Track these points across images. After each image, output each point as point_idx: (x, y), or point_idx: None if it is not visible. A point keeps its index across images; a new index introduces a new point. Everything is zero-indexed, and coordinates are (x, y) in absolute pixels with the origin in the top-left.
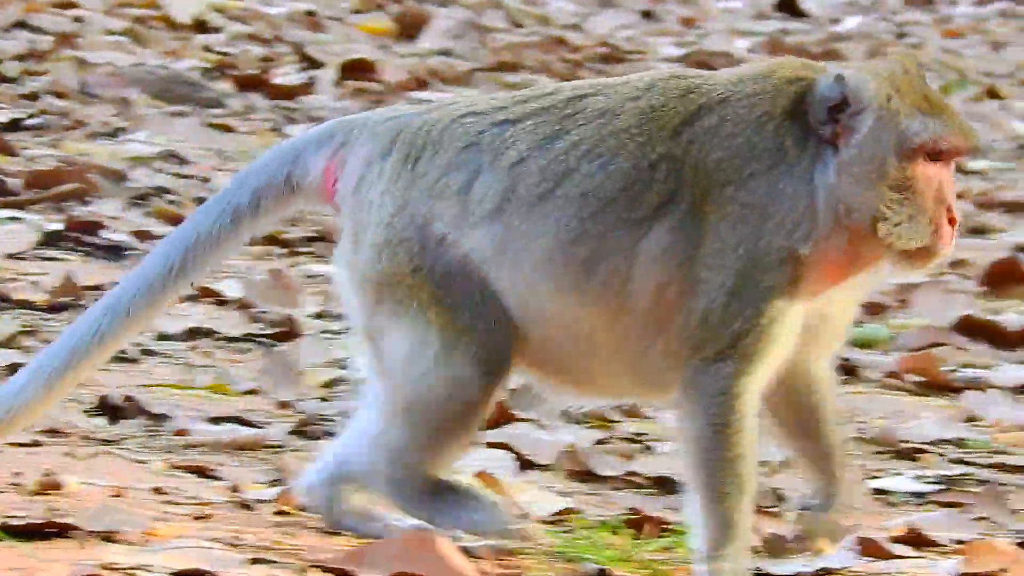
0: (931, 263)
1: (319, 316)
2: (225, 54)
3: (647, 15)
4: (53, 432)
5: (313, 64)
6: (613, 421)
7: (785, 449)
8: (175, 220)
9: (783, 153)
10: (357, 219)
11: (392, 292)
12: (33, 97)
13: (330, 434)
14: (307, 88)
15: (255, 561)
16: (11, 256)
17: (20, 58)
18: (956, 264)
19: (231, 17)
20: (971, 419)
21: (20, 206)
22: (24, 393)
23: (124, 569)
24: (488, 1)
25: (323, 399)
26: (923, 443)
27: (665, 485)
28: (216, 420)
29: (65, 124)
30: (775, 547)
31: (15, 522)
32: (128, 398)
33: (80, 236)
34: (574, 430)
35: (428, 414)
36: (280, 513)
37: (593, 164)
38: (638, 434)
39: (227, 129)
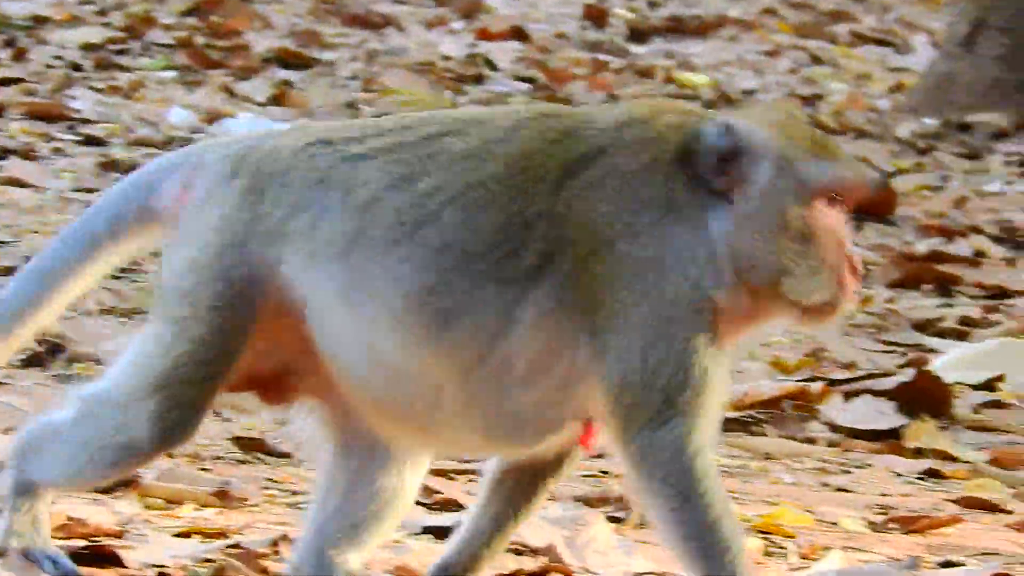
0: (835, 317)
1: None
2: None
3: None
4: None
5: None
6: None
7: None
8: None
9: (674, 203)
10: (190, 230)
11: (177, 306)
12: None
13: None
14: None
15: None
16: None
17: None
18: None
19: None
20: None
21: None
22: None
23: None
24: None
25: None
26: None
27: None
28: None
29: None
30: None
31: None
32: None
33: None
34: None
35: (97, 423)
36: None
37: (457, 214)
38: None
39: None
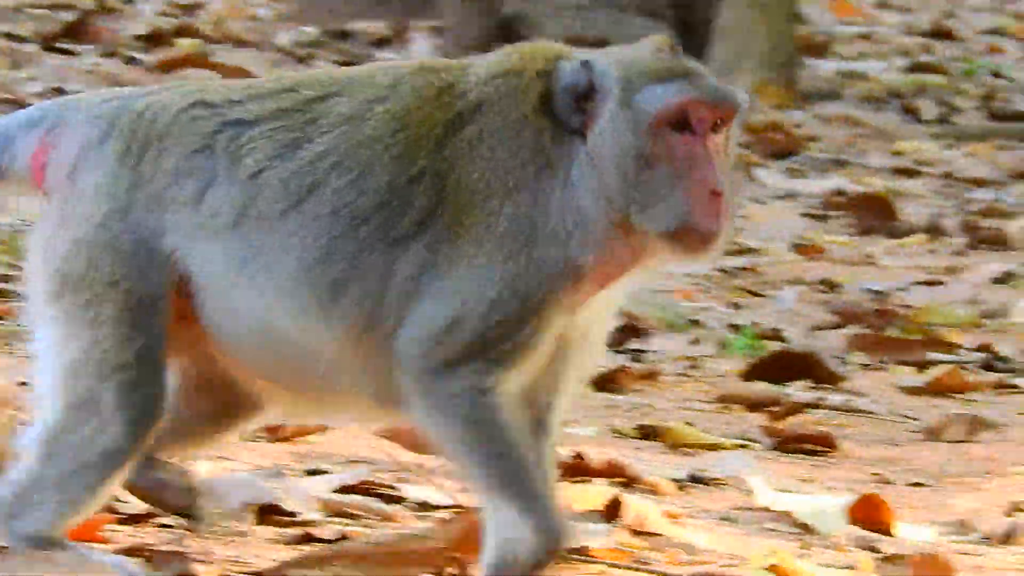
0: (705, 246)
1: None
2: None
3: None
4: None
5: None
6: None
7: None
8: None
9: (545, 158)
10: (66, 208)
11: (76, 293)
12: None
13: None
14: None
15: None
16: None
17: None
18: None
19: None
20: None
21: None
22: None
23: None
24: None
25: None
26: None
27: None
28: None
29: None
30: None
31: None
32: None
33: None
34: None
35: (66, 449)
36: None
37: (344, 179)
38: None
39: None
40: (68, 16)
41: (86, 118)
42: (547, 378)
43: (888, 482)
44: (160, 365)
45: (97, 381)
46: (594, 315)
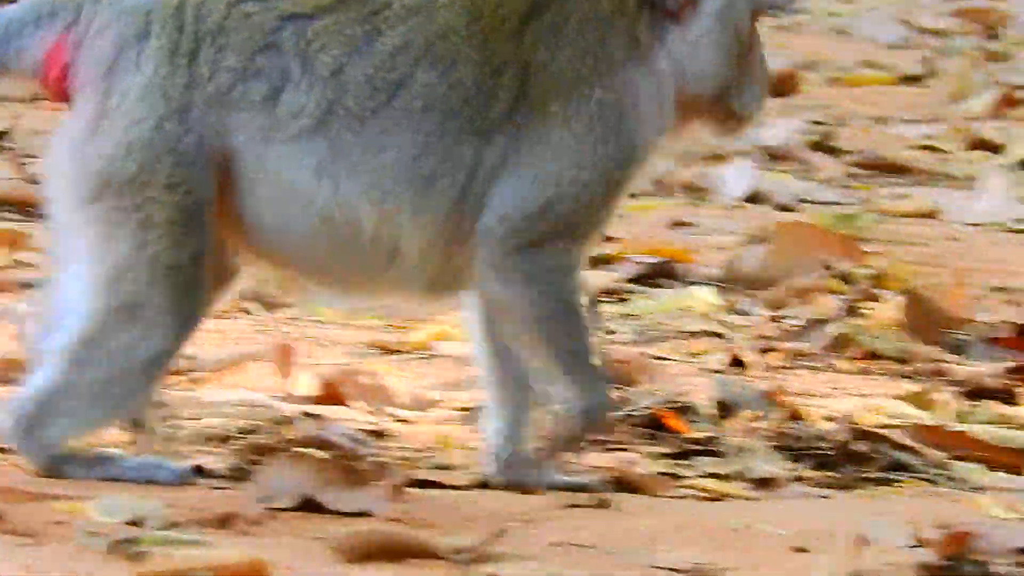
0: (747, 127)
1: None
2: None
3: None
4: None
5: None
6: None
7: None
8: None
9: (635, 42)
10: (105, 108)
11: (120, 195)
12: None
13: None
14: None
15: None
16: None
17: None
18: None
19: None
20: None
21: None
22: None
23: None
24: None
25: None
26: None
27: None
28: None
29: None
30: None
31: None
32: None
33: None
34: None
35: (103, 355)
36: None
37: (431, 73)
38: None
39: None
40: None
41: (115, 13)
42: None
43: None
44: (204, 266)
45: (146, 285)
46: None
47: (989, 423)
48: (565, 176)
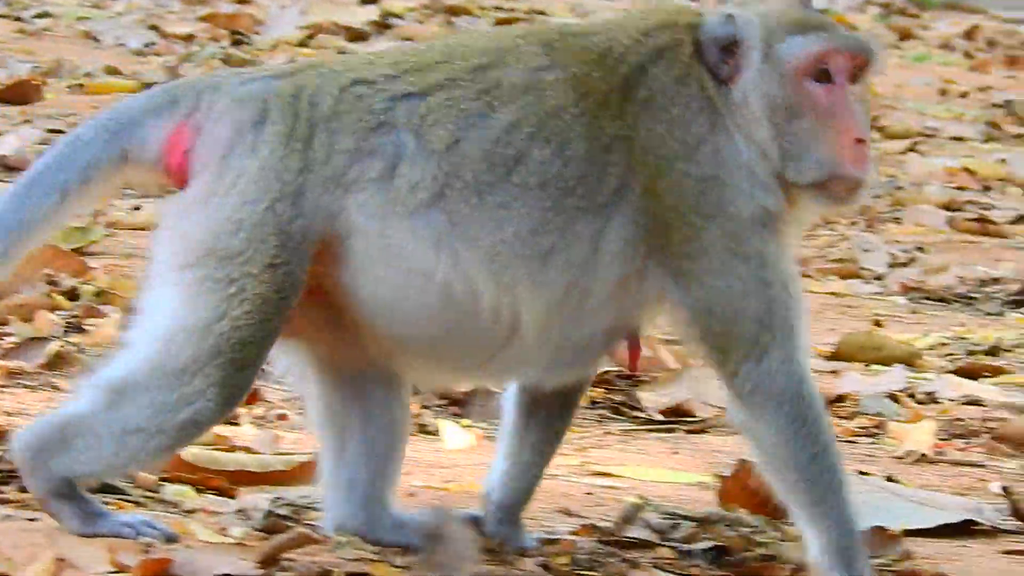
0: (853, 193)
1: None
2: None
3: None
4: None
5: None
6: None
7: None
8: None
9: (713, 108)
10: (219, 187)
11: (219, 267)
12: None
13: None
14: None
15: None
16: None
17: None
18: None
19: None
20: None
21: None
22: None
23: None
24: None
25: None
26: None
27: None
28: None
29: None
30: None
31: None
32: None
33: None
34: None
35: (143, 405)
36: None
37: (545, 150)
38: None
39: None
40: None
41: (233, 101)
42: None
43: None
44: (268, 352)
45: (207, 354)
46: None
47: (203, 444)
48: (701, 270)
